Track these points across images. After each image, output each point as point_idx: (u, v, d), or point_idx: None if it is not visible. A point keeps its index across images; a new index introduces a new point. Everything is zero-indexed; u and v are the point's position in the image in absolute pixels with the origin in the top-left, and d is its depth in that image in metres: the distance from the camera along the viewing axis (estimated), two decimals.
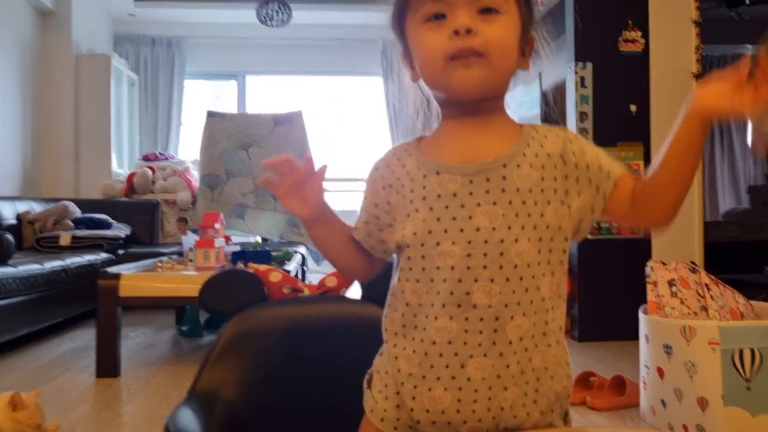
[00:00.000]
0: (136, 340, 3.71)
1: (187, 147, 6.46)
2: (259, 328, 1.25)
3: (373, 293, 1.28)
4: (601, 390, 2.46)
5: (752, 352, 1.85)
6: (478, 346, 0.78)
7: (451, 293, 0.78)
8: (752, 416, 1.85)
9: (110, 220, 5.03)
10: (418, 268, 0.81)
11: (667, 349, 1.97)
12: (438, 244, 0.79)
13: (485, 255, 0.77)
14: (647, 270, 2.05)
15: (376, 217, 0.87)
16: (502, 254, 0.77)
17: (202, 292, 1.29)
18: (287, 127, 5.44)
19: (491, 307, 0.77)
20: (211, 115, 5.54)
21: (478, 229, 0.78)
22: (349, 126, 6.86)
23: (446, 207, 0.79)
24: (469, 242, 0.78)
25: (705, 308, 1.99)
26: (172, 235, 5.53)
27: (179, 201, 5.59)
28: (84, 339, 3.68)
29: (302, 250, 4.84)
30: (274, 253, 3.51)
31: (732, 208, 6.05)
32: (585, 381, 2.55)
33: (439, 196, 0.80)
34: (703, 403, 1.88)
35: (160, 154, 5.96)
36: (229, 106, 6.78)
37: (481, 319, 0.78)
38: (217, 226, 3.14)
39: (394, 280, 0.87)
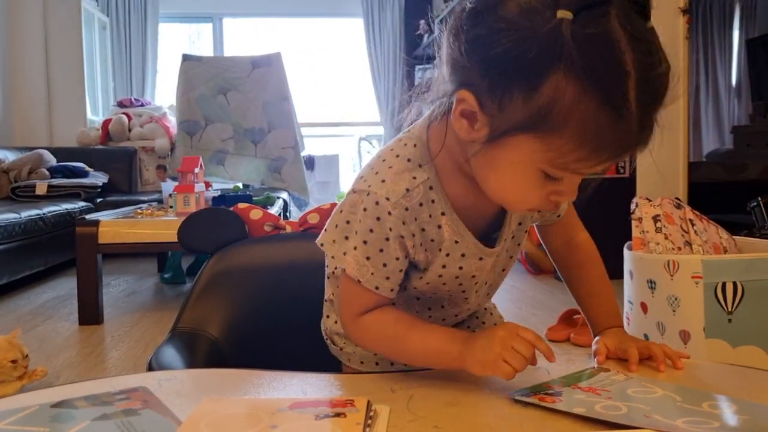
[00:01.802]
0: (119, 288, 3.68)
1: (164, 93, 6.31)
2: (241, 265, 1.22)
3: None
4: (585, 327, 2.48)
5: (734, 285, 1.86)
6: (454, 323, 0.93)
7: (443, 319, 0.90)
8: (732, 347, 1.87)
9: (87, 168, 4.93)
10: (423, 298, 0.86)
11: (651, 284, 1.98)
12: (451, 297, 0.86)
13: (485, 284, 0.88)
14: (632, 206, 2.04)
15: (401, 271, 0.78)
16: (494, 281, 0.89)
17: (181, 231, 1.26)
18: (266, 69, 5.32)
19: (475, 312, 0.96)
20: (186, 58, 5.39)
21: (486, 282, 0.87)
22: (329, 68, 6.73)
23: (474, 277, 0.83)
24: (476, 292, 0.86)
25: (689, 243, 1.99)
26: (151, 183, 5.45)
27: (157, 148, 5.49)
28: (66, 288, 3.65)
29: (284, 195, 4.79)
30: (255, 198, 3.47)
31: (716, 149, 6.06)
32: (569, 319, 2.57)
33: (473, 276, 0.82)
34: (685, 336, 1.89)
35: (135, 100, 5.81)
36: (206, 51, 6.61)
37: (456, 315, 0.91)
38: (196, 170, 3.08)
39: None
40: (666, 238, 1.97)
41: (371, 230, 0.73)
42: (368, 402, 0.66)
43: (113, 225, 2.86)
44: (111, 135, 5.48)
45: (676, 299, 1.91)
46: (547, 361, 0.71)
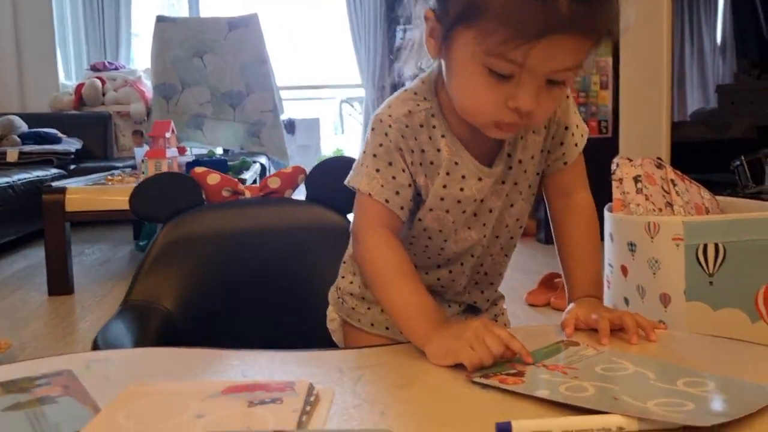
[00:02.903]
0: (92, 256, 3.60)
1: (139, 57, 6.13)
2: (196, 233, 1.15)
3: (319, 195, 1.19)
4: (565, 291, 2.44)
5: (716, 246, 1.81)
6: (462, 274, 0.89)
7: (461, 263, 0.88)
8: (713, 310, 1.84)
9: (59, 134, 4.80)
10: (429, 235, 0.85)
11: (631, 246, 1.93)
12: (456, 231, 0.84)
13: (493, 228, 0.85)
14: (613, 167, 1.98)
15: (410, 186, 0.80)
16: (499, 221, 0.85)
17: (133, 198, 1.18)
18: (243, 31, 5.17)
19: (482, 265, 0.89)
20: (160, 19, 5.23)
21: (490, 210, 0.84)
22: (309, 29, 6.56)
23: (476, 201, 0.82)
24: (484, 224, 0.84)
25: (670, 204, 1.94)
26: (127, 149, 5.31)
27: (133, 113, 5.35)
28: (38, 257, 3.55)
29: (262, 159, 4.69)
30: (230, 163, 3.37)
31: (700, 108, 6.00)
32: (549, 282, 2.53)
33: (475, 200, 0.81)
34: (665, 299, 1.85)
35: (109, 63, 5.64)
36: (182, 13, 6.40)
37: (476, 268, 0.89)
38: (168, 135, 2.99)
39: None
40: (647, 199, 1.91)
41: (380, 144, 0.79)
42: (310, 385, 0.60)
43: (81, 192, 2.77)
44: (84, 100, 5.33)
45: (656, 262, 1.86)
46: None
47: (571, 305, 0.81)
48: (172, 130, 3.05)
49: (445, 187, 0.80)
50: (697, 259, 1.82)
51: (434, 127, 0.79)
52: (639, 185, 1.92)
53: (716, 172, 3.68)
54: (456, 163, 0.79)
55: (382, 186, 0.78)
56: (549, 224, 0.92)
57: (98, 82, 5.37)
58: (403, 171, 0.79)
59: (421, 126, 0.79)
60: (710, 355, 0.68)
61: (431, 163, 0.79)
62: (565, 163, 0.87)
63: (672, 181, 1.98)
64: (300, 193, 1.24)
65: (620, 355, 0.67)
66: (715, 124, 4.85)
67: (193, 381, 0.64)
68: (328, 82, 6.46)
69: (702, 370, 0.62)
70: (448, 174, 0.79)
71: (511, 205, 0.86)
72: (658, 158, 2.09)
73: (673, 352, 0.70)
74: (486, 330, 0.66)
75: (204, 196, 1.21)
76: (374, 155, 0.79)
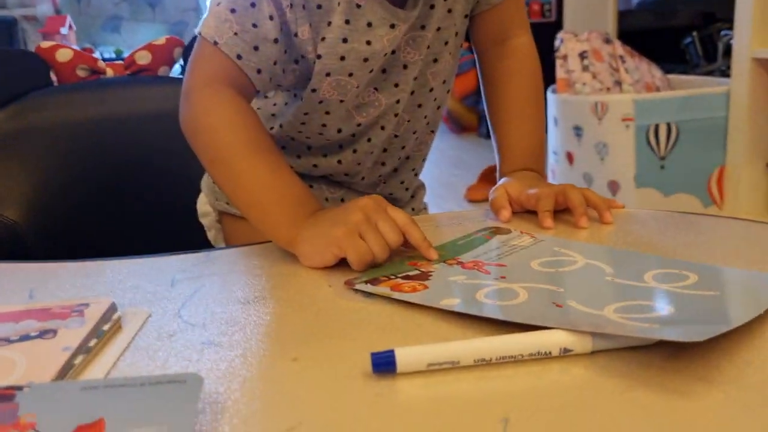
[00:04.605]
0: None
1: None
2: (41, 123, 0.91)
3: None
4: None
5: (668, 126, 1.66)
6: (370, 155, 0.70)
7: (369, 140, 0.67)
8: (664, 196, 1.70)
9: None
10: (327, 108, 0.63)
11: (577, 131, 1.76)
12: (358, 95, 0.63)
13: (412, 93, 0.66)
14: (556, 42, 1.78)
15: (276, 41, 0.57)
16: (421, 83, 0.66)
17: None
18: None
19: (404, 147, 0.71)
20: None
21: (405, 66, 0.64)
22: None
23: (390, 59, 0.62)
24: (396, 85, 0.64)
25: (619, 83, 1.76)
26: None
27: (40, 16, 4.84)
28: None
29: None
30: None
31: None
32: (490, 176, 2.37)
33: (384, 55, 0.61)
34: (614, 186, 1.71)
35: None
36: None
37: (385, 150, 0.70)
38: (63, 30, 2.64)
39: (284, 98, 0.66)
40: (594, 77, 1.73)
41: None
42: (109, 306, 0.40)
43: None
44: None
45: (604, 146, 1.70)
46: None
47: (502, 180, 0.62)
48: (70, 26, 2.70)
49: (345, 41, 0.58)
50: (648, 141, 1.67)
51: None
52: (585, 62, 1.73)
53: (665, 61, 3.54)
54: (358, 6, 0.57)
55: (235, 34, 0.55)
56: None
57: None
58: (270, 18, 0.56)
59: None
60: (683, 237, 0.51)
61: (318, 6, 0.57)
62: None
63: (621, 57, 1.79)
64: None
65: (565, 243, 0.49)
66: (662, 13, 4.69)
67: None
68: None
69: (677, 257, 0.44)
70: (348, 22, 0.58)
71: (435, 60, 0.66)
72: (606, 33, 1.90)
73: (635, 236, 0.52)
74: (380, 212, 0.47)
75: (54, 78, 0.97)
76: None
